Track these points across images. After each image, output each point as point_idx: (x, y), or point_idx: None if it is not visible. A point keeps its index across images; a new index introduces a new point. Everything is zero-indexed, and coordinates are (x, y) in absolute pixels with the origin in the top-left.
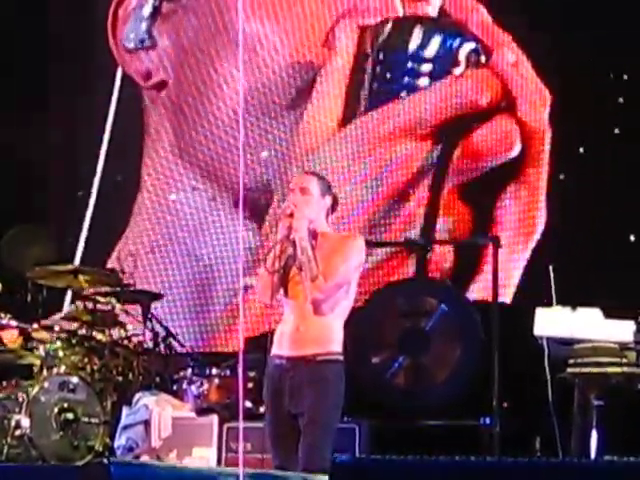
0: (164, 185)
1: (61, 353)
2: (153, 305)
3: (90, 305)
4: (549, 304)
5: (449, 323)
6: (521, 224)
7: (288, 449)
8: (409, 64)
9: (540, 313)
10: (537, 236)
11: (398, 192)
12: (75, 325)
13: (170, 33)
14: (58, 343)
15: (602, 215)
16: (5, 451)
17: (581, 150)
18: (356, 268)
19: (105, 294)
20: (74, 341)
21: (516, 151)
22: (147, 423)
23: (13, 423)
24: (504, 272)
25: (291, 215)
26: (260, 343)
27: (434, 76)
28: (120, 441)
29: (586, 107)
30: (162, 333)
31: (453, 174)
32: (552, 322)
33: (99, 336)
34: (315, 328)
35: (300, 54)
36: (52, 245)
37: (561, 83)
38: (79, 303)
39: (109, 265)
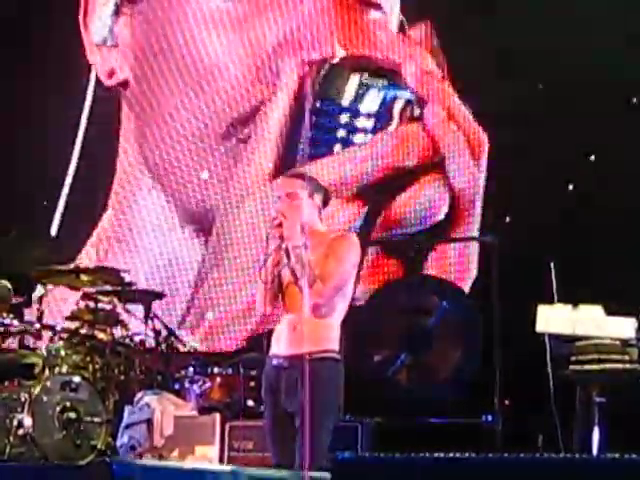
0: (127, 182)
1: (63, 353)
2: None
3: (91, 304)
4: (550, 301)
5: (451, 320)
6: (454, 276)
7: (286, 447)
8: (344, 117)
9: (542, 310)
10: (469, 283)
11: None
12: (77, 324)
13: (130, 33)
14: (60, 342)
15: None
16: (8, 451)
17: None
18: (353, 267)
19: (106, 293)
20: (76, 340)
21: (442, 215)
22: (149, 422)
23: (15, 423)
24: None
25: (280, 225)
26: (260, 342)
27: (372, 132)
28: (122, 440)
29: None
30: (164, 332)
31: (378, 234)
32: (554, 319)
33: (101, 335)
34: (312, 327)
35: (247, 81)
36: (51, 245)
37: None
38: (81, 302)
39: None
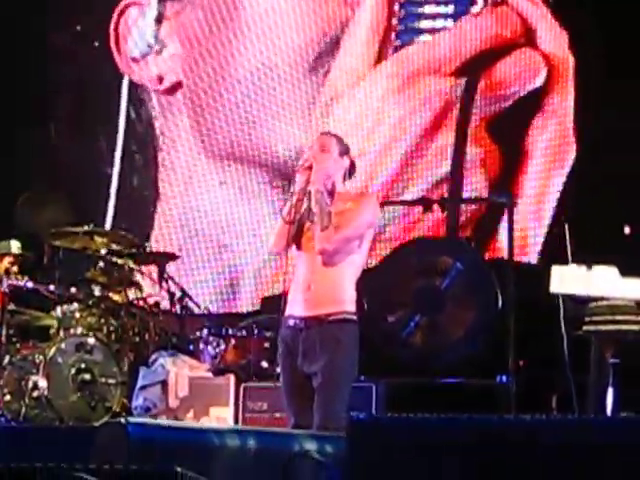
0: (184, 188)
1: (77, 314)
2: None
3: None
4: (565, 262)
5: (465, 281)
6: (551, 152)
7: (303, 409)
8: (427, 7)
9: (556, 271)
10: (567, 169)
11: (429, 129)
12: (91, 286)
13: (179, 32)
14: (74, 304)
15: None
16: (23, 412)
17: None
18: (368, 224)
19: (121, 255)
20: (90, 302)
21: (541, 79)
22: (164, 383)
23: (31, 384)
24: (531, 230)
25: (309, 168)
26: (276, 303)
27: (451, 17)
28: (137, 401)
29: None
30: (178, 294)
31: (480, 106)
32: (568, 280)
33: (115, 297)
34: (327, 286)
35: (313, 19)
36: (66, 207)
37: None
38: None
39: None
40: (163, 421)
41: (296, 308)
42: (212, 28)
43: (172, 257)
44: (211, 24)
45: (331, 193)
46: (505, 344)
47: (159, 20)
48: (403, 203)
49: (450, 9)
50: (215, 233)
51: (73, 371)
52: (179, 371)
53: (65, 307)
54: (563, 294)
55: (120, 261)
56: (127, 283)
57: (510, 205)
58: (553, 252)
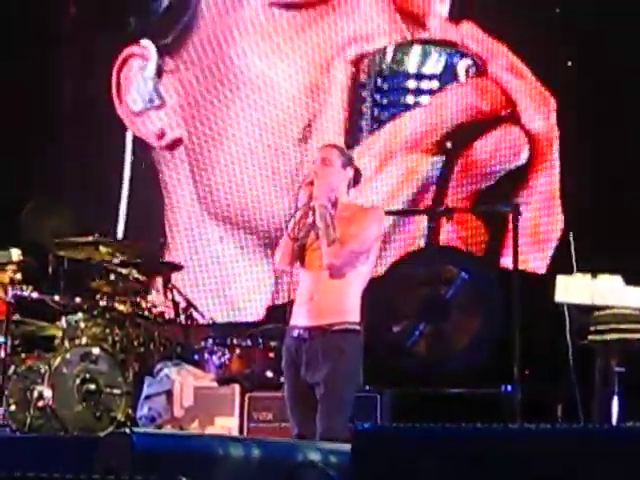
0: (190, 240)
1: (82, 324)
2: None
3: (111, 276)
4: (570, 271)
5: (470, 291)
6: (536, 230)
7: (307, 419)
8: (411, 83)
9: (561, 280)
10: (554, 243)
11: (407, 206)
12: (96, 296)
13: (177, 88)
14: (79, 315)
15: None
16: (28, 422)
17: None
18: (375, 237)
19: (126, 265)
20: (95, 312)
21: (524, 158)
22: (169, 393)
23: (36, 394)
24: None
25: (312, 183)
26: (281, 313)
27: (435, 92)
28: (142, 411)
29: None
30: (183, 303)
31: (460, 184)
32: (573, 289)
33: (120, 307)
34: (330, 296)
35: (302, 89)
36: (71, 217)
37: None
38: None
39: None
40: (168, 431)
41: (300, 318)
42: (209, 89)
43: (177, 267)
44: (209, 85)
45: (334, 205)
46: (510, 353)
47: (159, 74)
48: (408, 212)
49: (435, 84)
50: (217, 289)
51: (78, 381)
52: (184, 381)
53: (70, 317)
54: (568, 303)
55: (124, 271)
56: (132, 293)
57: (515, 214)
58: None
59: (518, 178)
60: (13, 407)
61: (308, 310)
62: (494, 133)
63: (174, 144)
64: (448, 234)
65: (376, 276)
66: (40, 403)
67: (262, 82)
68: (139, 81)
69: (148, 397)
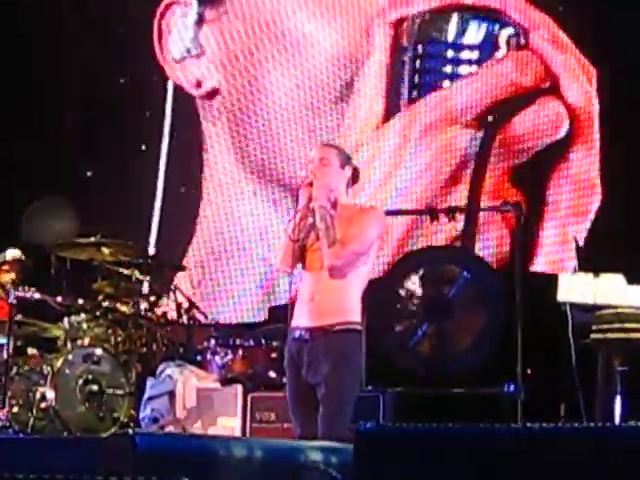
0: (225, 193)
1: (85, 325)
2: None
3: (113, 277)
4: (572, 270)
5: (472, 290)
6: (574, 203)
7: (308, 419)
8: (449, 53)
9: (563, 279)
10: (592, 215)
11: (445, 180)
12: (98, 297)
13: (217, 39)
14: (82, 315)
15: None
16: (31, 423)
17: None
18: (375, 238)
19: (128, 266)
20: (98, 313)
21: (563, 132)
22: (172, 394)
23: (38, 395)
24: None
25: (311, 184)
26: (283, 313)
27: (476, 63)
28: (145, 412)
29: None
30: (185, 304)
31: (499, 159)
32: (575, 288)
33: (122, 308)
34: (331, 296)
35: (342, 51)
36: (73, 218)
37: (605, 54)
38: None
39: (179, 277)
40: (171, 432)
41: (301, 319)
42: (248, 40)
43: (179, 267)
44: (250, 38)
45: (334, 205)
46: (512, 353)
47: (199, 23)
48: (409, 212)
49: (475, 55)
50: (249, 242)
51: (81, 382)
52: (186, 381)
53: (72, 318)
54: (570, 302)
55: (127, 272)
56: (134, 294)
57: (518, 215)
58: None
59: (557, 152)
60: (16, 408)
61: (309, 311)
62: (533, 108)
63: (211, 93)
64: (450, 233)
65: (379, 275)
66: (43, 404)
67: (303, 41)
68: (179, 28)
69: (151, 398)
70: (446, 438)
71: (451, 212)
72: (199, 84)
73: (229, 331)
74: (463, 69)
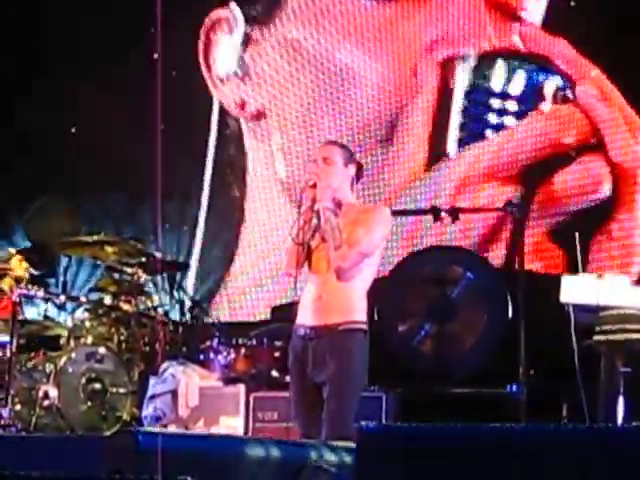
0: (266, 216)
1: (88, 324)
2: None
3: (116, 276)
4: (576, 271)
5: (475, 290)
6: (615, 263)
7: (312, 418)
8: (493, 101)
9: (566, 280)
10: (634, 277)
11: (483, 236)
12: (102, 296)
13: (261, 62)
14: (85, 314)
15: None
16: (33, 421)
17: None
18: (381, 238)
19: (131, 264)
20: (101, 312)
21: (605, 193)
22: (174, 393)
23: (41, 394)
24: None
25: (314, 186)
26: (286, 312)
27: (520, 114)
28: (147, 411)
29: None
30: (188, 303)
31: (537, 217)
32: (578, 289)
33: (125, 306)
34: (337, 296)
35: (389, 85)
36: (76, 217)
37: None
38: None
39: (218, 299)
40: (173, 430)
41: (306, 318)
42: (292, 71)
43: (183, 266)
44: (291, 65)
45: (339, 205)
46: (515, 353)
47: (245, 43)
48: (413, 212)
49: (519, 106)
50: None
51: (83, 380)
52: (189, 380)
53: (76, 316)
54: (573, 303)
55: (130, 270)
56: (137, 292)
57: (521, 216)
58: None
59: (600, 212)
60: (18, 406)
61: (314, 310)
62: (575, 165)
63: (256, 116)
64: (453, 234)
65: (383, 275)
66: (45, 402)
67: (347, 74)
68: (226, 45)
69: (153, 396)
70: (449, 438)
71: (454, 212)
72: (243, 105)
73: (232, 330)
74: (508, 120)
